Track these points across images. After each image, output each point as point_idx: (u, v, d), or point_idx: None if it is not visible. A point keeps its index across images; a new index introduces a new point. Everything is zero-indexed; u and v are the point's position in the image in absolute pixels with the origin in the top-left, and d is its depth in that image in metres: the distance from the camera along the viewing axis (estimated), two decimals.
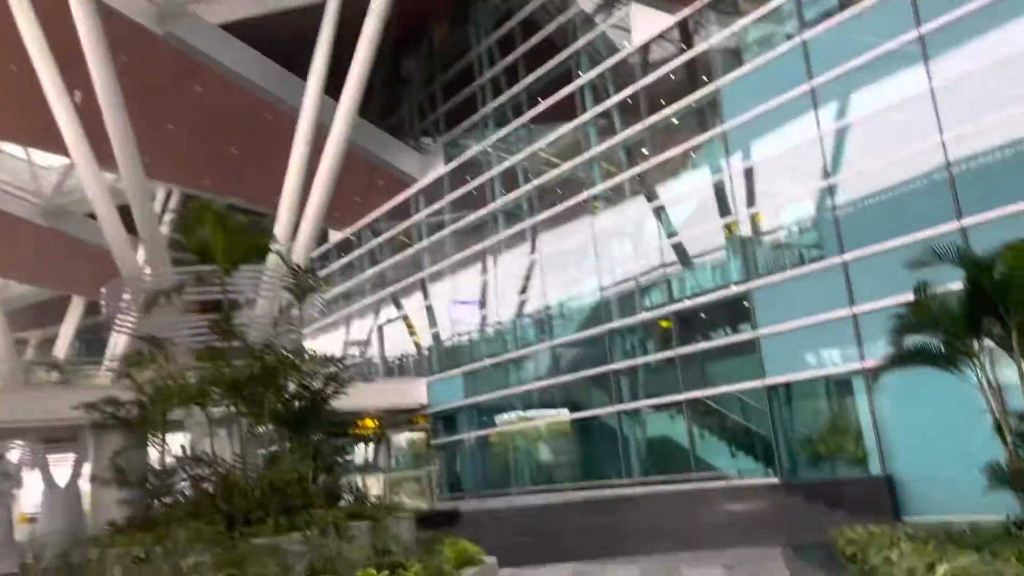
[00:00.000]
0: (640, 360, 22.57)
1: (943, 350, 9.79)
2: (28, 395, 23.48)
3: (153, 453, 10.13)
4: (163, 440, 9.68)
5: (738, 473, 19.64)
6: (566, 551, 16.27)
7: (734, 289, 19.69)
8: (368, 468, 16.21)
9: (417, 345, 33.61)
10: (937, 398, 13.28)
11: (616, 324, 23.14)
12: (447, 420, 29.90)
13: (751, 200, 19.90)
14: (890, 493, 15.65)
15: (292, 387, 9.05)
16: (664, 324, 22.01)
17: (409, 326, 34.28)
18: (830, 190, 17.62)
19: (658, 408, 22.17)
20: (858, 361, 16.48)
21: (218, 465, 7.54)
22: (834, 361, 17.25)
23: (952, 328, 9.58)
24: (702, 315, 21.21)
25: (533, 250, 27.27)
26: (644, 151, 23.19)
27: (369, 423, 27.76)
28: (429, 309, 32.46)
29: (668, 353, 21.41)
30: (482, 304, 29.93)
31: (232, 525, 6.74)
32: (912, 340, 10.14)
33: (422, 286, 32.93)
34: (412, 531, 9.12)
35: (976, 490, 9.29)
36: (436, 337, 31.91)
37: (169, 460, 9.80)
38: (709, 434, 21.04)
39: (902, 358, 10.28)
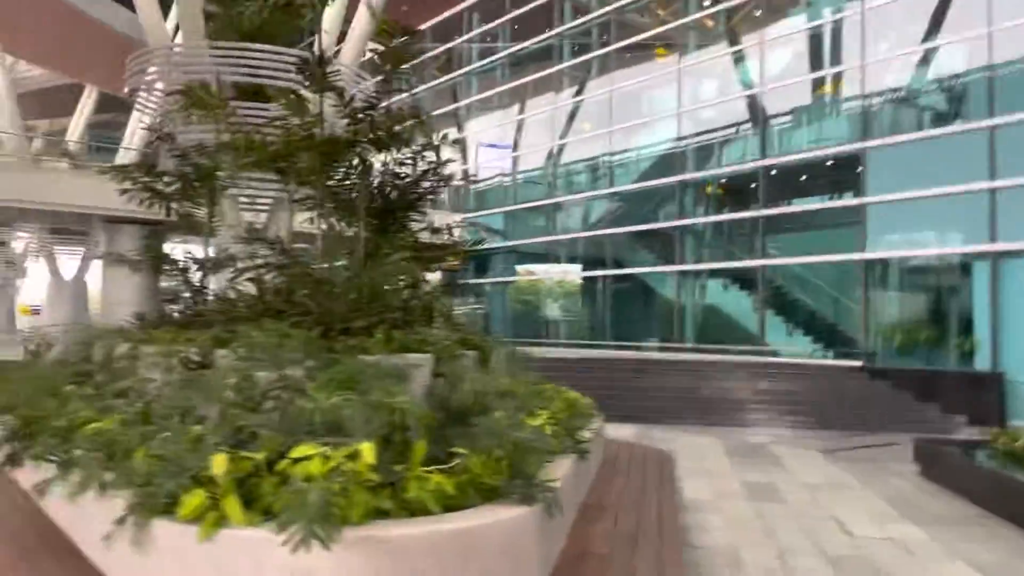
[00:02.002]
0: (714, 218, 20.44)
1: None
2: (38, 177, 21.43)
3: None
4: (210, 216, 7.69)
5: (812, 353, 17.99)
6: (618, 411, 14.81)
7: (844, 148, 17.23)
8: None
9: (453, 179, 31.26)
10: None
11: (689, 176, 20.84)
12: (479, 262, 28.11)
13: (868, 51, 17.08)
14: (999, 393, 13.96)
15: (378, 171, 6.95)
16: (719, 189, 19.74)
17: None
18: (982, 42, 14.85)
19: (724, 276, 20.28)
20: (987, 242, 14.34)
21: (297, 255, 5.56)
22: (955, 240, 15.11)
23: None
24: (794, 176, 18.87)
25: (596, 88, 24.54)
26: None
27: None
28: (461, 143, 29.87)
29: (750, 213, 19.22)
30: (519, 146, 27.51)
31: (326, 333, 4.81)
32: None
33: (456, 119, 30.29)
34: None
35: None
36: (471, 174, 29.66)
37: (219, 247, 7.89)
38: (780, 309, 19.23)
39: None
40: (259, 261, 5.77)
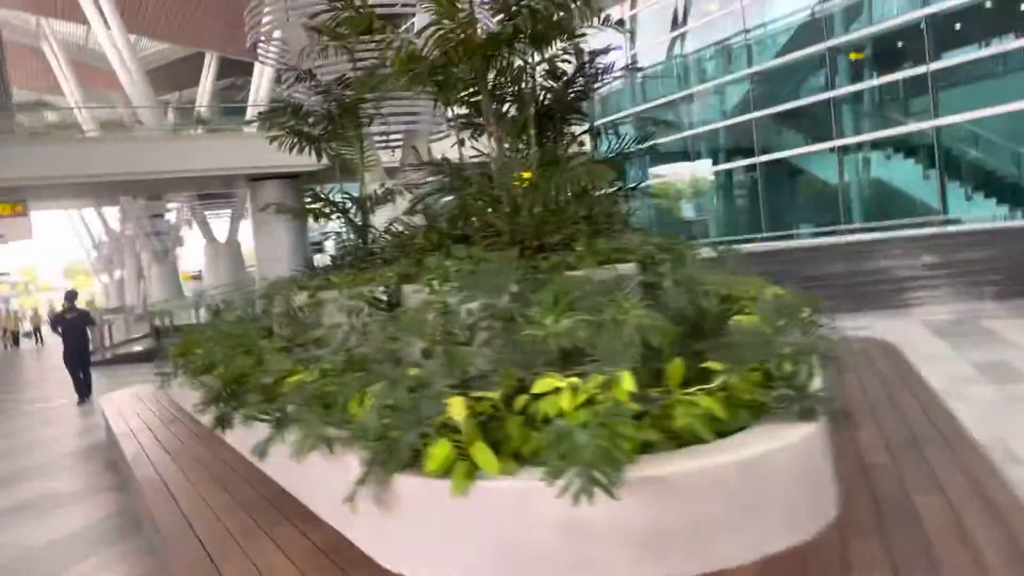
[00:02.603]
0: (869, 83, 18.51)
1: None
2: (180, 146, 22.21)
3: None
4: (361, 152, 7.29)
5: (997, 217, 16.14)
6: None
7: None
8: None
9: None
10: None
11: (837, 42, 18.88)
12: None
13: None
14: None
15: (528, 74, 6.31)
16: (869, 51, 17.63)
17: None
18: None
19: (886, 145, 18.44)
20: None
21: (469, 176, 5.06)
22: None
23: None
24: (964, 21, 16.65)
25: None
26: None
27: None
28: (626, 24, 28.33)
29: (913, 71, 17.20)
30: (637, 40, 25.84)
31: (522, 253, 4.34)
32: None
33: None
34: None
35: None
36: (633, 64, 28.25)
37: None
38: (954, 173, 17.29)
39: None
40: (431, 187, 5.36)
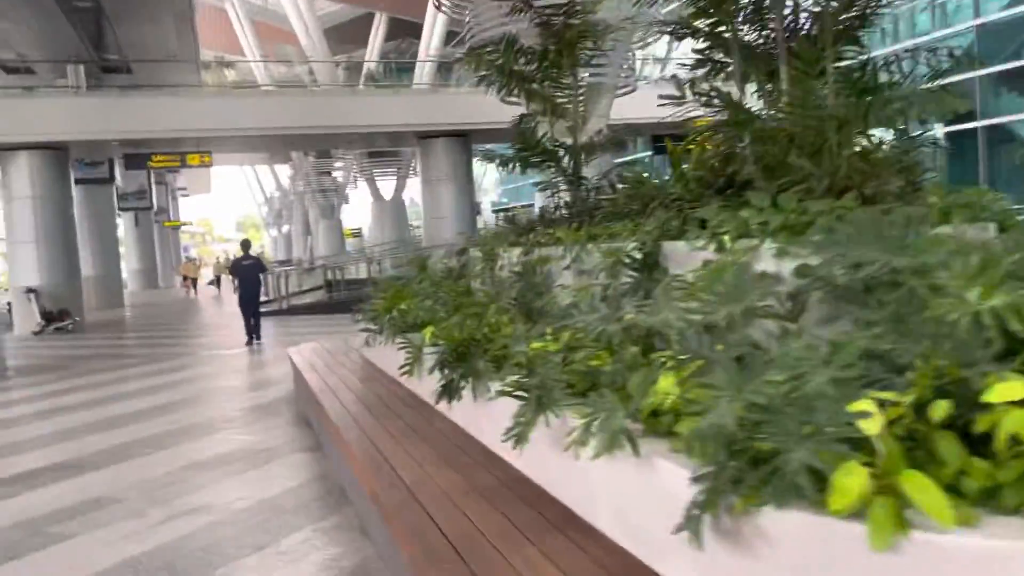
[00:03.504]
0: None
1: None
2: (355, 100, 22.29)
3: None
4: (576, 95, 6.42)
5: None
6: None
7: None
8: None
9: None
10: None
11: None
12: None
13: None
14: None
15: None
16: None
17: None
18: None
19: None
20: None
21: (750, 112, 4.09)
22: None
23: None
24: None
25: None
26: None
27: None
28: None
29: None
30: None
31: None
32: None
33: None
34: None
35: None
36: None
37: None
38: None
39: None
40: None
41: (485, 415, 3.90)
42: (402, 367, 5.17)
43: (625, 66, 14.99)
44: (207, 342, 14.38)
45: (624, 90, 14.42)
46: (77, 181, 21.25)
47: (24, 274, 17.99)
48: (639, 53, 18.02)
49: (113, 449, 6.44)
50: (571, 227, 5.34)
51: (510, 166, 6.92)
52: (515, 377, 3.34)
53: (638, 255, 3.97)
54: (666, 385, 2.61)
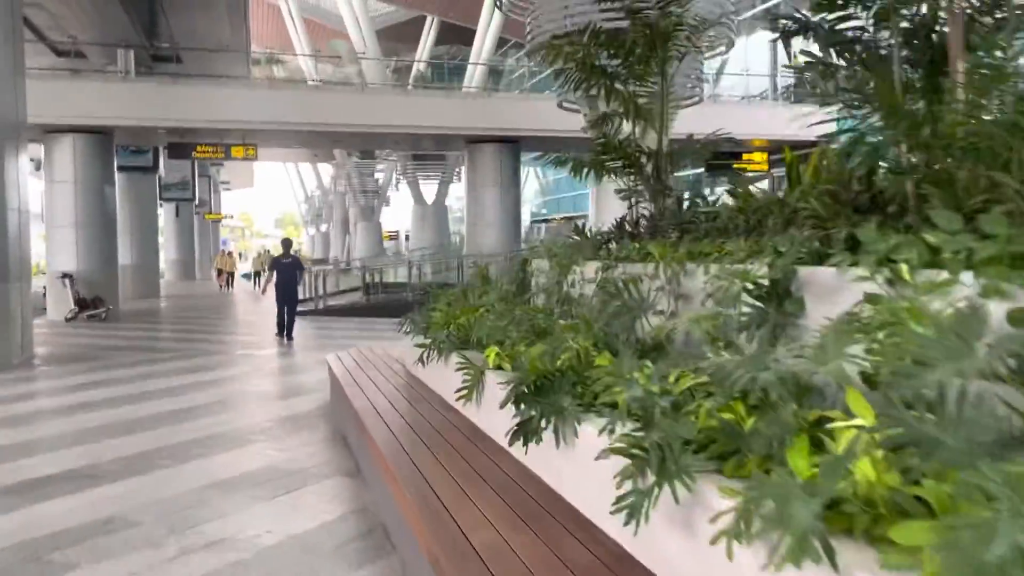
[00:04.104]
0: None
1: None
2: (405, 100, 21.80)
3: None
4: (664, 95, 5.74)
5: None
6: None
7: None
8: None
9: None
10: None
11: None
12: None
13: None
14: None
15: None
16: None
17: None
18: None
19: None
20: None
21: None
22: None
23: None
24: None
25: None
26: None
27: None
28: None
29: None
30: None
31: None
32: None
33: None
34: None
35: None
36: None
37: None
38: None
39: None
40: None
41: (570, 466, 3.21)
42: (459, 391, 4.51)
43: (692, 76, 14.29)
44: (241, 340, 13.87)
45: (689, 101, 13.69)
46: (120, 168, 21.02)
47: (61, 259, 17.70)
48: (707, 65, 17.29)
49: (133, 458, 5.86)
50: (663, 241, 4.65)
51: (584, 171, 6.28)
52: (628, 429, 2.64)
53: (765, 281, 3.25)
54: (867, 470, 1.89)
